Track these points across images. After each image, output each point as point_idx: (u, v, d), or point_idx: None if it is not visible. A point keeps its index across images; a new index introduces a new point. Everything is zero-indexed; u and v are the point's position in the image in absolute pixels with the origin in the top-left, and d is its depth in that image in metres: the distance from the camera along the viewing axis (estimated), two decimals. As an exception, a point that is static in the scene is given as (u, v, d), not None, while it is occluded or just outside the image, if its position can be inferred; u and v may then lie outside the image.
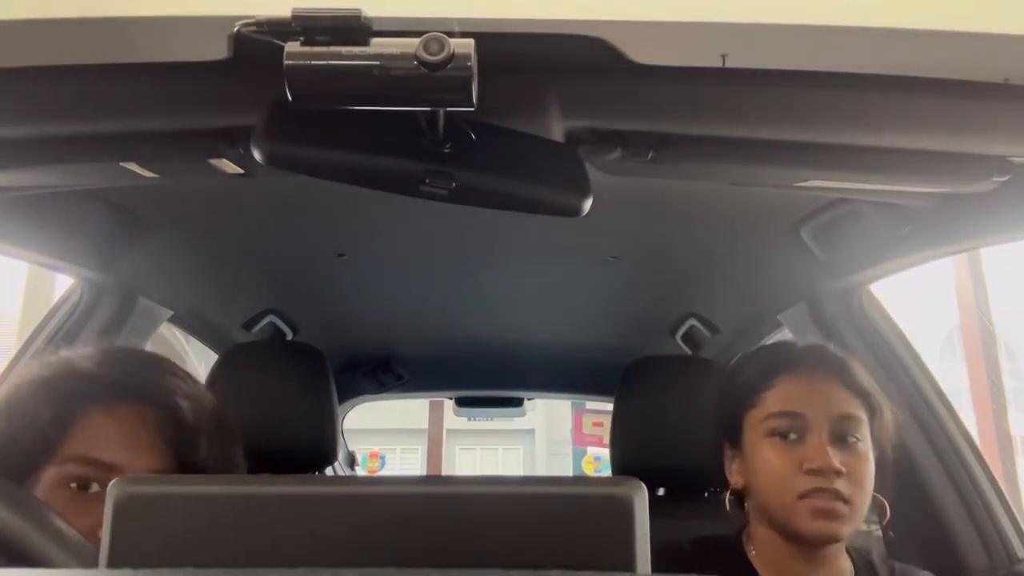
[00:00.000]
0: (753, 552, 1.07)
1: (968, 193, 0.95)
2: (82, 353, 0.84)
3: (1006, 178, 0.87)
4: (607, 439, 1.70)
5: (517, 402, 3.12)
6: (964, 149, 0.83)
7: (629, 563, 0.43)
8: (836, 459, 0.97)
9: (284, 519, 0.44)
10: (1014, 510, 1.39)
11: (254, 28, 0.58)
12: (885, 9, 0.63)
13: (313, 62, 0.58)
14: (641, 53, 0.65)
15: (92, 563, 0.58)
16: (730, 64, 0.65)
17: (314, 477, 1.50)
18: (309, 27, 0.57)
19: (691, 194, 1.34)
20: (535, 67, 0.72)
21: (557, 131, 0.84)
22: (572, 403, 8.86)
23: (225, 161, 0.93)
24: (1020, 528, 1.38)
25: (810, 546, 1.00)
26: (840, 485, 0.96)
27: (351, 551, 0.43)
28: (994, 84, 0.69)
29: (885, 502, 1.06)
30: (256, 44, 0.58)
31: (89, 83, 0.75)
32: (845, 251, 1.39)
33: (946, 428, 1.43)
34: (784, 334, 1.88)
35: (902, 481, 1.44)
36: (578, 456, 10.72)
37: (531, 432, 14.95)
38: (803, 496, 0.97)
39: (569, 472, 11.45)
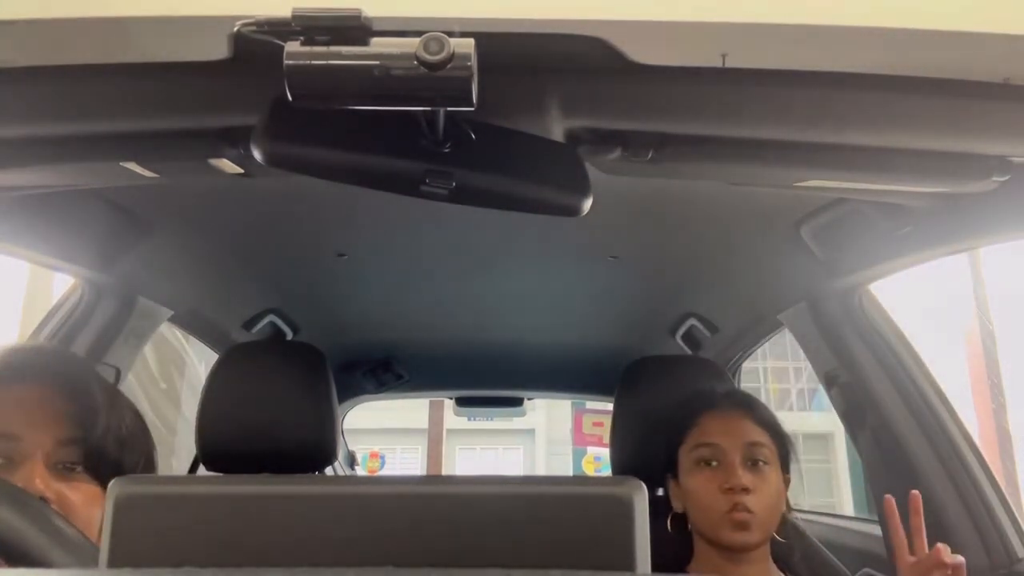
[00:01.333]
0: (697, 566, 1.28)
1: (968, 193, 0.95)
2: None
3: (1006, 178, 0.87)
4: (607, 439, 1.70)
5: (517, 402, 3.12)
6: (964, 149, 0.83)
7: (629, 563, 0.43)
8: (745, 479, 1.21)
9: (284, 519, 0.44)
10: (1014, 509, 1.39)
11: (254, 28, 0.58)
12: (885, 9, 0.63)
13: (313, 62, 0.58)
14: (641, 53, 0.65)
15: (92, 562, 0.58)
16: (730, 64, 0.65)
17: (314, 477, 1.50)
18: (309, 27, 0.57)
19: (691, 194, 1.34)
20: (535, 67, 0.72)
21: (557, 131, 0.84)
22: (572, 403, 8.86)
23: (225, 161, 0.93)
24: (1020, 527, 1.38)
25: (735, 551, 1.22)
26: (750, 502, 1.20)
27: (351, 551, 0.43)
28: (994, 84, 0.69)
29: (796, 524, 1.36)
30: (256, 44, 0.58)
31: (89, 83, 0.75)
32: (845, 251, 1.39)
33: (946, 427, 1.43)
34: (785, 334, 1.88)
35: (901, 481, 1.44)
36: (578, 456, 10.72)
37: (531, 432, 14.96)
38: (726, 513, 1.20)
39: (569, 472, 11.45)
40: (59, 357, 0.97)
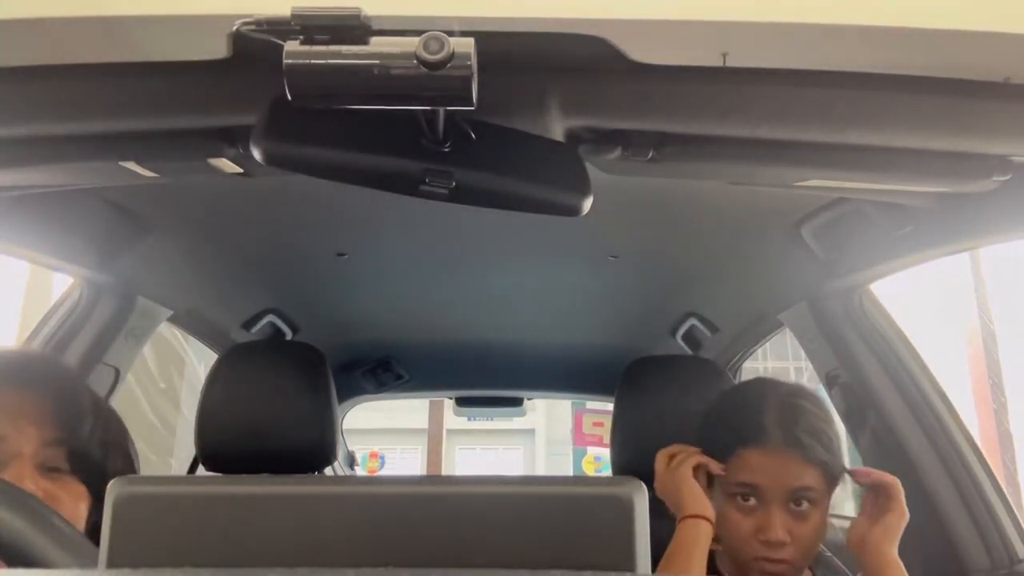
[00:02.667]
0: (723, 567, 1.16)
1: (969, 192, 0.95)
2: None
3: (1007, 177, 0.87)
4: (607, 439, 1.70)
5: (517, 402, 3.12)
6: (965, 148, 0.83)
7: (629, 563, 0.43)
8: (783, 530, 1.07)
9: (284, 519, 0.44)
10: (1015, 509, 1.39)
11: (254, 27, 0.58)
12: (886, 8, 0.63)
13: (313, 61, 0.58)
14: (641, 52, 0.65)
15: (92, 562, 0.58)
16: (730, 63, 0.65)
17: (314, 477, 1.50)
18: (309, 26, 0.57)
19: (691, 193, 1.34)
20: (535, 66, 0.72)
21: (557, 130, 0.84)
22: (572, 403, 8.85)
23: (225, 161, 0.93)
24: (1021, 528, 1.37)
25: None
26: (787, 552, 1.07)
27: (351, 551, 0.43)
28: (995, 83, 0.69)
29: (834, 559, 1.21)
30: (256, 43, 0.58)
31: (88, 83, 0.75)
32: (846, 250, 1.39)
33: (947, 427, 1.43)
34: (785, 334, 1.88)
35: (902, 480, 1.44)
36: (578, 456, 10.71)
37: (531, 432, 14.96)
38: (755, 559, 1.09)
39: (569, 472, 11.44)
40: (47, 363, 0.99)
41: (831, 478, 1.12)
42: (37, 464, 0.85)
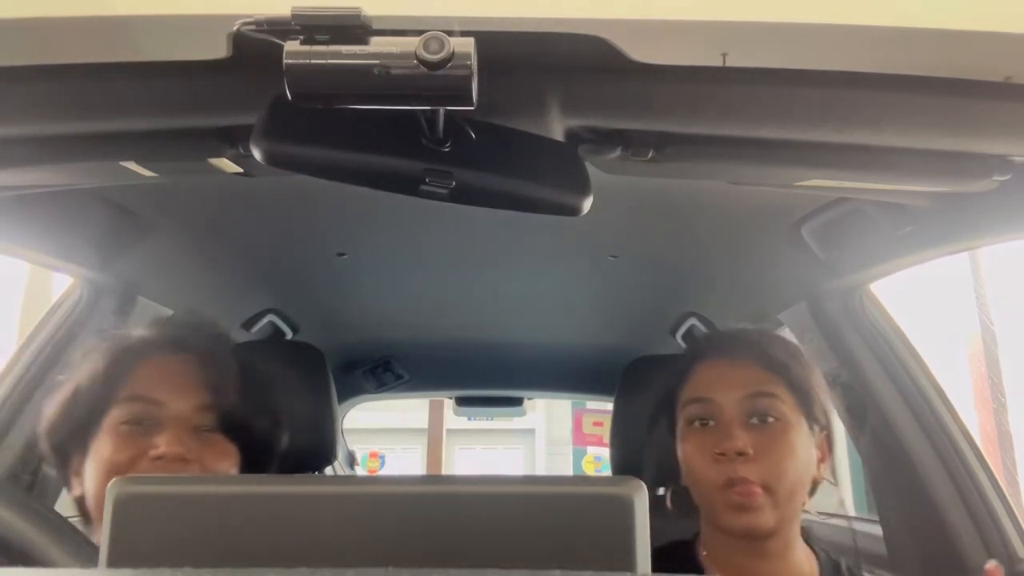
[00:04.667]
0: (704, 553, 1.03)
1: (969, 192, 0.95)
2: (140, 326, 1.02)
3: (1007, 177, 0.87)
4: (607, 439, 1.70)
5: (517, 402, 3.12)
6: (965, 148, 0.83)
7: (629, 563, 0.43)
8: (744, 440, 0.93)
9: (284, 519, 0.44)
10: (1015, 509, 1.39)
11: (254, 27, 0.58)
12: (886, 8, 0.63)
13: (313, 61, 0.58)
14: (641, 52, 0.65)
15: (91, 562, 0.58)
16: (730, 63, 0.65)
17: (314, 477, 1.50)
18: (309, 26, 0.57)
19: (691, 193, 1.34)
20: (535, 66, 0.72)
21: (557, 130, 0.84)
22: (572, 403, 8.85)
23: (225, 160, 0.93)
24: (1021, 528, 1.37)
25: (748, 540, 0.96)
26: (750, 471, 0.92)
27: (351, 551, 0.43)
28: (995, 83, 0.69)
29: (835, 484, 1.04)
30: (256, 43, 0.58)
31: (89, 82, 0.75)
32: (846, 250, 1.39)
33: (947, 427, 1.43)
34: (785, 334, 1.88)
35: (902, 480, 1.44)
36: (578, 456, 10.71)
37: (531, 432, 14.95)
38: (721, 488, 0.94)
39: (569, 472, 11.43)
40: (201, 330, 1.03)
41: (799, 396, 0.98)
42: (191, 427, 0.91)
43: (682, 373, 1.04)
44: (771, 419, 0.96)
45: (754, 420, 0.96)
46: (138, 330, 1.01)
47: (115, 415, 0.90)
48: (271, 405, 1.03)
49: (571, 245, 1.65)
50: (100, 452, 0.88)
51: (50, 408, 0.96)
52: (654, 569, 0.43)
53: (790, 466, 0.94)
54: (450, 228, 1.55)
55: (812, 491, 0.99)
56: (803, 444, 0.96)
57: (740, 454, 0.93)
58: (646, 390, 1.60)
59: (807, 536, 1.04)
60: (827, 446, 1.02)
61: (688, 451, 0.99)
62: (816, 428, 0.99)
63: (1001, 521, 1.36)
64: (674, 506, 1.05)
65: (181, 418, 0.91)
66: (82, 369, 0.96)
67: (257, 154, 0.77)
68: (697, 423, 0.99)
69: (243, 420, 0.95)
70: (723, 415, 0.97)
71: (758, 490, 0.92)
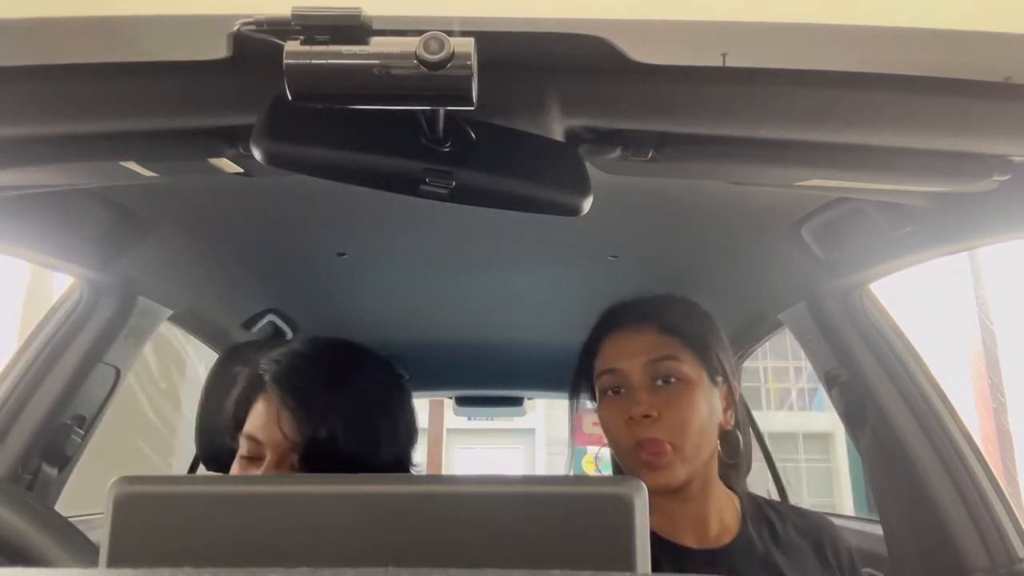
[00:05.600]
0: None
1: (969, 192, 0.95)
2: (269, 354, 1.09)
3: (1007, 177, 0.87)
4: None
5: (517, 401, 3.12)
6: (965, 148, 0.83)
7: (629, 563, 0.43)
8: (648, 403, 1.01)
9: (284, 519, 0.44)
10: (1014, 509, 1.39)
11: (254, 27, 0.58)
12: (885, 8, 0.63)
13: (313, 61, 0.58)
14: (641, 52, 0.65)
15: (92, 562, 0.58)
16: (730, 63, 0.65)
17: (314, 477, 1.50)
18: (309, 26, 0.57)
19: (691, 193, 1.34)
20: (535, 66, 0.72)
21: (557, 130, 0.84)
22: (572, 403, 8.83)
23: (225, 160, 0.93)
24: (1020, 527, 1.38)
25: (673, 491, 1.03)
26: (657, 431, 1.00)
27: (351, 550, 0.43)
28: (995, 83, 0.69)
29: (739, 435, 1.10)
30: (256, 43, 0.58)
31: (89, 82, 0.75)
32: (846, 250, 1.39)
33: (947, 427, 1.43)
34: (785, 334, 1.88)
35: (902, 480, 1.44)
36: (578, 456, 10.70)
37: (531, 432, 14.95)
38: (634, 449, 1.02)
39: (569, 472, 11.42)
40: (311, 369, 1.07)
41: (699, 354, 1.06)
42: (286, 464, 0.99)
43: (594, 346, 1.13)
44: (673, 380, 1.04)
45: (659, 383, 1.04)
46: (268, 358, 1.07)
47: (241, 443, 1.04)
48: (369, 435, 1.06)
49: (571, 245, 1.65)
50: (234, 469, 1.04)
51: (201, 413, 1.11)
52: None
53: (694, 421, 1.02)
54: (450, 228, 1.55)
55: (724, 440, 1.08)
56: (705, 399, 1.04)
57: (646, 416, 1.01)
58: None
59: (729, 482, 1.12)
60: (730, 396, 1.10)
61: (604, 417, 1.08)
62: (718, 380, 1.07)
63: (1001, 521, 1.37)
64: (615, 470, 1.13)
65: (277, 456, 1.00)
66: (237, 387, 1.09)
67: (257, 154, 0.77)
68: (610, 392, 1.08)
69: (337, 453, 1.00)
70: (630, 382, 1.05)
71: (667, 448, 1.00)
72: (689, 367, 1.05)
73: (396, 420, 1.10)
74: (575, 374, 1.18)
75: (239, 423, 1.06)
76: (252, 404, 1.05)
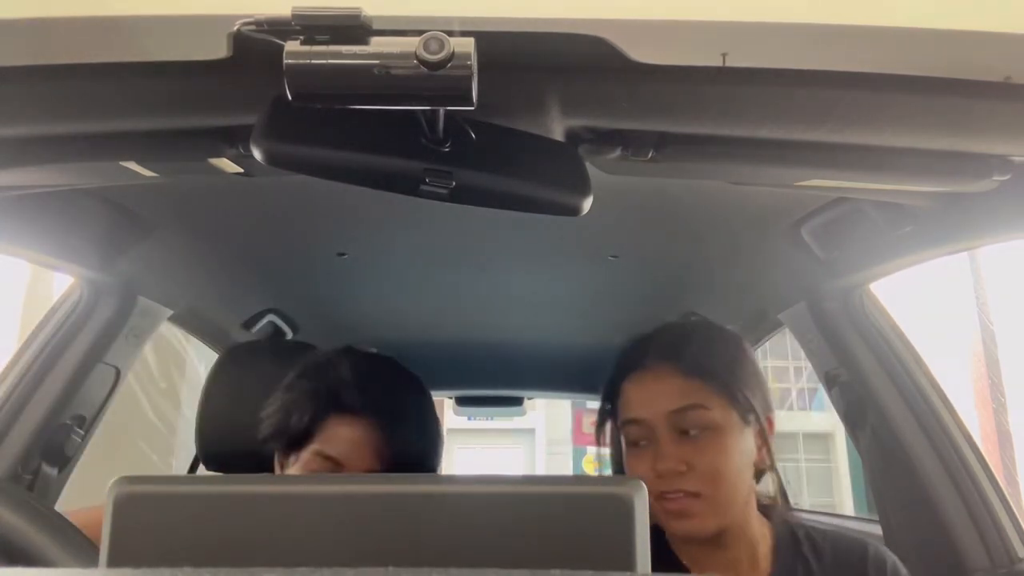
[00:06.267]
0: (673, 542, 1.06)
1: (969, 192, 0.95)
2: (338, 358, 1.11)
3: (1007, 177, 0.87)
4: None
5: (517, 401, 3.12)
6: (965, 148, 0.83)
7: (629, 563, 0.43)
8: (675, 458, 0.96)
9: (284, 519, 0.44)
10: (1014, 509, 1.39)
11: (254, 27, 0.58)
12: (886, 8, 0.63)
13: (313, 61, 0.58)
14: (641, 52, 0.65)
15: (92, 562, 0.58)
16: (730, 63, 0.65)
17: (313, 477, 1.50)
18: (309, 26, 0.57)
19: (691, 193, 1.34)
20: (535, 66, 0.72)
21: (557, 130, 0.84)
22: (572, 403, 8.85)
23: (225, 160, 0.93)
24: (1020, 527, 1.37)
25: (704, 540, 0.99)
26: (686, 483, 0.95)
27: (351, 551, 0.43)
28: (995, 83, 0.69)
29: (778, 474, 1.05)
30: (256, 43, 0.58)
31: (88, 82, 0.75)
32: (846, 250, 1.39)
33: (947, 427, 1.43)
34: (785, 333, 1.88)
35: (902, 480, 1.44)
36: (578, 455, 10.72)
37: (531, 432, 14.94)
38: (657, 497, 0.97)
39: (569, 472, 11.43)
40: (387, 393, 1.10)
41: (728, 395, 0.99)
42: (304, 468, 1.02)
43: (615, 388, 1.07)
44: (700, 430, 0.97)
45: (686, 434, 0.98)
46: (342, 368, 1.08)
47: (308, 458, 1.03)
48: (436, 450, 1.11)
49: (571, 245, 1.65)
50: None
51: (270, 411, 1.09)
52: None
53: (726, 470, 0.96)
54: (450, 228, 1.55)
55: (759, 477, 1.03)
56: (737, 444, 0.98)
57: (677, 473, 0.96)
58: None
59: (765, 512, 1.06)
60: (767, 432, 1.03)
61: (631, 468, 1.02)
62: (751, 418, 1.01)
63: (1001, 521, 1.37)
64: None
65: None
66: (295, 396, 1.08)
67: (257, 154, 0.77)
68: (634, 444, 1.02)
69: (415, 469, 1.05)
70: (655, 434, 0.99)
71: (695, 500, 0.95)
72: (718, 412, 0.98)
73: (440, 431, 1.15)
74: (600, 416, 1.10)
75: (297, 434, 1.05)
76: (323, 421, 1.04)
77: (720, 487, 0.96)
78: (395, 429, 1.04)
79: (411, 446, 1.05)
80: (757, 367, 1.06)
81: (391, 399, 1.07)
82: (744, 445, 0.99)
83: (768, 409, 1.04)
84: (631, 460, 1.02)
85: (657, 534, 1.06)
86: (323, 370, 1.09)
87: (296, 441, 1.05)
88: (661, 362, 1.02)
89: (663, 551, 1.05)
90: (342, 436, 1.03)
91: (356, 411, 1.04)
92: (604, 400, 1.09)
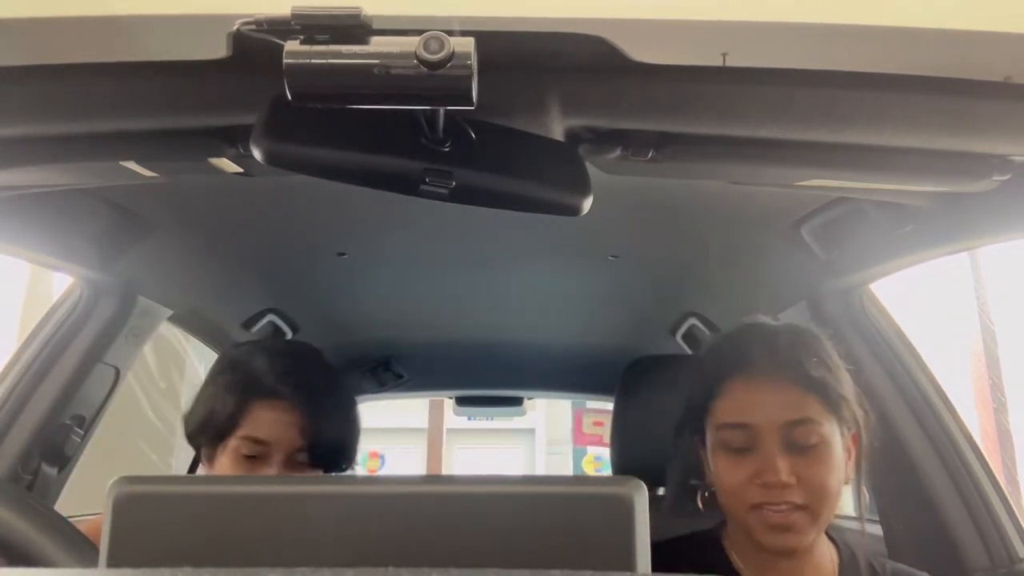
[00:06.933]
0: (730, 545, 1.04)
1: (969, 192, 0.94)
2: (255, 351, 1.19)
3: (1007, 177, 0.87)
4: (607, 438, 1.70)
5: (517, 402, 3.12)
6: (965, 148, 0.83)
7: (629, 563, 0.43)
8: (786, 471, 0.93)
9: (284, 519, 0.44)
10: (1015, 509, 1.39)
11: (254, 27, 0.58)
12: (886, 8, 0.63)
13: (313, 61, 0.58)
14: (641, 52, 0.65)
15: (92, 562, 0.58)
16: (730, 63, 0.65)
17: (314, 477, 1.50)
18: (309, 26, 0.57)
19: (692, 193, 1.34)
20: (535, 65, 0.72)
21: (557, 130, 0.84)
22: (572, 403, 8.85)
23: (225, 160, 0.93)
24: (1021, 527, 1.37)
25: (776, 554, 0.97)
26: (794, 496, 0.93)
27: (351, 551, 0.43)
28: (995, 83, 0.69)
29: (865, 492, 1.03)
30: (256, 43, 0.58)
31: (89, 82, 0.75)
32: (846, 250, 1.39)
33: (947, 427, 1.43)
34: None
35: (902, 480, 1.44)
36: (578, 456, 10.71)
37: (531, 432, 14.93)
38: (756, 507, 0.94)
39: (569, 472, 11.43)
40: (309, 375, 1.17)
41: (834, 408, 0.97)
42: (285, 461, 1.10)
43: (713, 386, 1.01)
44: (809, 444, 0.95)
45: (793, 443, 0.95)
46: (259, 359, 1.15)
47: (237, 444, 1.10)
48: (355, 431, 1.22)
49: (571, 245, 1.65)
50: (221, 467, 1.11)
51: (193, 409, 1.16)
52: (683, 554, 0.43)
53: (832, 485, 0.94)
54: (450, 228, 1.55)
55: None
56: (840, 458, 0.96)
57: (786, 486, 0.93)
58: (646, 390, 1.61)
59: (830, 530, 1.04)
60: (853, 443, 1.01)
61: (724, 474, 0.98)
62: (846, 430, 0.99)
63: (1001, 521, 1.36)
64: (706, 507, 1.04)
65: (283, 455, 1.10)
66: (216, 390, 1.14)
67: (257, 154, 0.77)
68: (735, 449, 0.97)
69: (331, 452, 1.15)
70: (762, 443, 0.95)
71: (801, 513, 0.92)
72: (827, 426, 0.95)
73: (358, 419, 1.26)
74: (684, 411, 1.06)
75: (222, 424, 1.11)
76: (247, 408, 1.11)
77: (825, 502, 0.94)
78: (314, 408, 1.11)
79: (330, 424, 1.14)
80: (850, 380, 1.04)
81: (308, 381, 1.14)
82: (842, 459, 0.98)
83: (857, 425, 1.01)
84: (726, 464, 0.98)
85: (712, 534, 1.07)
86: (241, 363, 1.16)
87: (223, 431, 1.11)
88: (776, 369, 0.98)
89: (716, 551, 1.03)
90: (266, 419, 1.10)
91: (277, 394, 1.11)
92: (697, 392, 1.04)
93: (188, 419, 1.17)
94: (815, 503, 0.93)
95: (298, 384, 1.13)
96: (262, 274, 1.85)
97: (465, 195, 0.79)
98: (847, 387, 1.01)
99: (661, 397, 1.54)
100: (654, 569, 0.43)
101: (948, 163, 0.87)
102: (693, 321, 2.08)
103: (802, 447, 0.94)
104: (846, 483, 0.99)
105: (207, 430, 1.13)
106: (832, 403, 0.97)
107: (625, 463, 1.59)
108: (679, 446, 1.10)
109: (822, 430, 0.95)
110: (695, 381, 1.05)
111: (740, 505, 0.96)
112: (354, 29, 0.57)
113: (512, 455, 15.53)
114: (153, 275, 1.60)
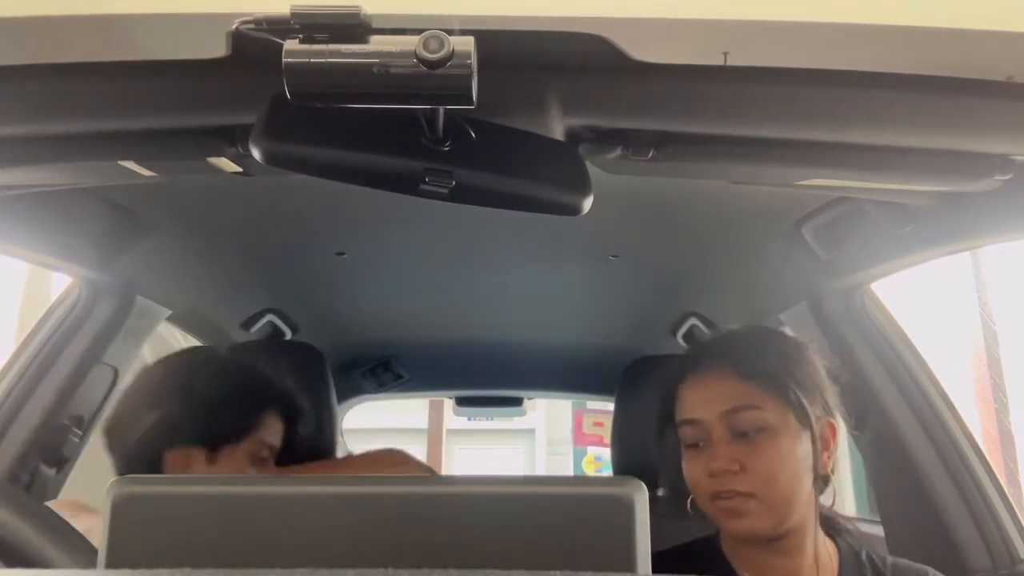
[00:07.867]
0: (727, 549, 1.07)
1: (970, 192, 0.94)
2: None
3: (1008, 176, 0.87)
4: (607, 439, 1.70)
5: (517, 402, 3.12)
6: (966, 147, 0.83)
7: (629, 563, 0.42)
8: (727, 457, 0.97)
9: (283, 519, 0.44)
10: (1016, 509, 1.39)
11: (253, 26, 0.58)
12: (886, 8, 0.62)
13: (312, 60, 0.57)
14: (642, 51, 0.65)
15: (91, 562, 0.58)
16: (731, 62, 0.65)
17: (314, 477, 1.50)
18: (308, 25, 0.57)
19: (692, 193, 1.34)
20: (535, 65, 0.72)
21: (557, 129, 0.84)
22: (572, 403, 8.85)
23: (224, 160, 0.93)
24: (1022, 528, 1.37)
25: (755, 542, 1.00)
26: (739, 483, 0.96)
27: (350, 551, 0.43)
28: (996, 82, 0.68)
29: (829, 476, 1.03)
30: (255, 42, 0.58)
31: (88, 81, 0.75)
32: (847, 250, 1.39)
33: (948, 428, 1.43)
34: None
35: (903, 480, 1.44)
36: (578, 456, 10.70)
37: (531, 432, 14.93)
38: (712, 498, 0.99)
39: (569, 472, 11.43)
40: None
41: (783, 398, 0.98)
42: (250, 456, 1.13)
43: (672, 391, 1.07)
44: (753, 431, 0.98)
45: (740, 434, 0.98)
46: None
47: (252, 448, 1.15)
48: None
49: (571, 245, 1.65)
50: (228, 469, 1.12)
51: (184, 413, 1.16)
52: (683, 563, 0.43)
53: (780, 472, 0.97)
54: (450, 228, 1.55)
55: (822, 484, 1.02)
56: (793, 447, 0.98)
57: (730, 472, 0.97)
58: (647, 390, 1.61)
59: (830, 528, 1.07)
60: (829, 434, 1.03)
61: (687, 469, 1.03)
62: (809, 422, 1.00)
63: (1002, 521, 1.36)
64: (694, 511, 1.07)
65: (243, 450, 1.13)
66: (223, 396, 1.17)
67: (256, 154, 0.77)
68: (690, 445, 1.03)
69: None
70: (709, 435, 1.00)
71: (748, 500, 0.96)
72: (772, 414, 0.98)
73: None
74: (657, 419, 1.11)
75: (233, 429, 1.15)
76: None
77: (774, 489, 0.96)
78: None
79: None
80: (818, 371, 1.05)
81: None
82: (801, 449, 0.99)
83: (829, 414, 1.04)
84: (687, 461, 1.03)
85: (711, 541, 1.09)
86: (248, 371, 1.22)
87: (231, 436, 1.14)
88: (716, 365, 1.03)
89: (717, 557, 1.06)
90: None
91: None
92: (662, 402, 1.09)
93: (178, 424, 1.12)
94: (762, 490, 0.96)
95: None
96: (261, 274, 1.85)
97: (465, 195, 0.79)
98: (801, 376, 1.02)
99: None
100: None
101: (949, 163, 0.87)
102: (693, 321, 2.08)
103: (746, 434, 0.98)
104: (824, 473, 1.01)
105: (215, 435, 1.14)
106: (776, 389, 0.99)
107: (625, 463, 1.59)
108: (662, 452, 1.13)
109: (765, 416, 0.98)
110: (663, 392, 1.10)
111: (702, 498, 1.01)
112: (353, 28, 0.57)
113: (512, 455, 15.53)
114: (152, 275, 1.60)
